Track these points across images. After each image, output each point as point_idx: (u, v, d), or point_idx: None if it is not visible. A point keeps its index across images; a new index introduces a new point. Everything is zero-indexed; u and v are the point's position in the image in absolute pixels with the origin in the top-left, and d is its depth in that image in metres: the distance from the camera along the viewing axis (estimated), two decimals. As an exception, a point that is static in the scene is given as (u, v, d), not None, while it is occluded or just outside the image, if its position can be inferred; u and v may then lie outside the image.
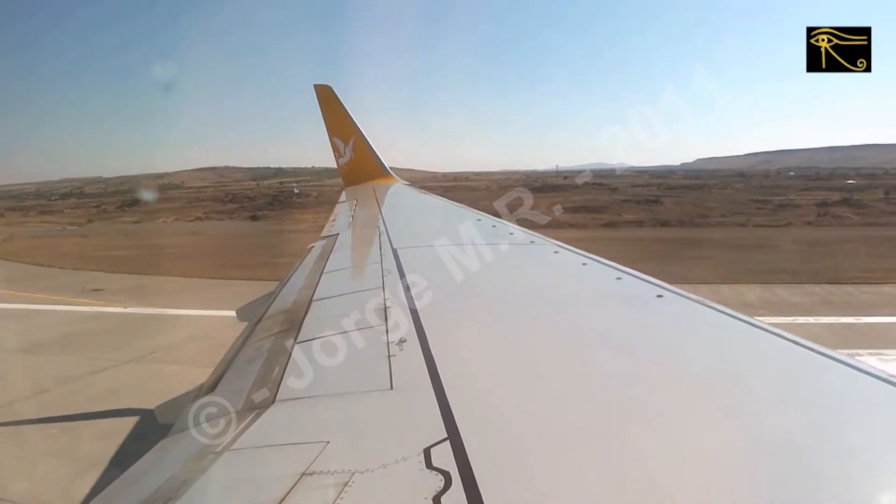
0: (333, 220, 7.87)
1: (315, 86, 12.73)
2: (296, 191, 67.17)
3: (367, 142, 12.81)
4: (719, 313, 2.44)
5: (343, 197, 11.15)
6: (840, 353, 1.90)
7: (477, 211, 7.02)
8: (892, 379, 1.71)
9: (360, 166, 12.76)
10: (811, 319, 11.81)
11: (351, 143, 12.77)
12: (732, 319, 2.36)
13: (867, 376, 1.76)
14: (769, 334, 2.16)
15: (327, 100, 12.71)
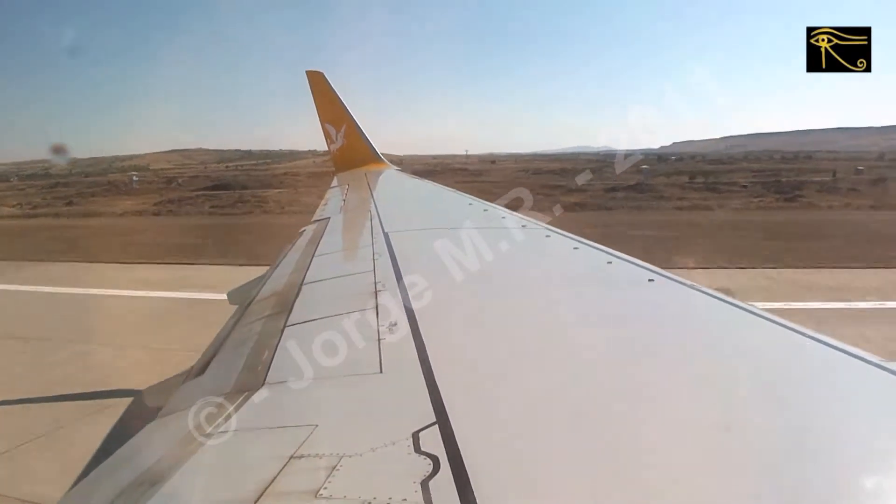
0: (325, 205, 7.82)
1: (307, 72, 12.64)
2: (134, 178, 67.92)
3: (359, 128, 12.76)
4: (710, 297, 2.45)
5: (335, 182, 11.10)
6: (833, 339, 1.91)
7: (469, 195, 7.00)
8: (884, 364, 1.71)
9: (352, 152, 12.72)
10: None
11: (343, 129, 12.71)
12: (724, 304, 2.37)
13: (860, 361, 1.76)
14: (761, 319, 2.16)
15: (319, 86, 12.62)
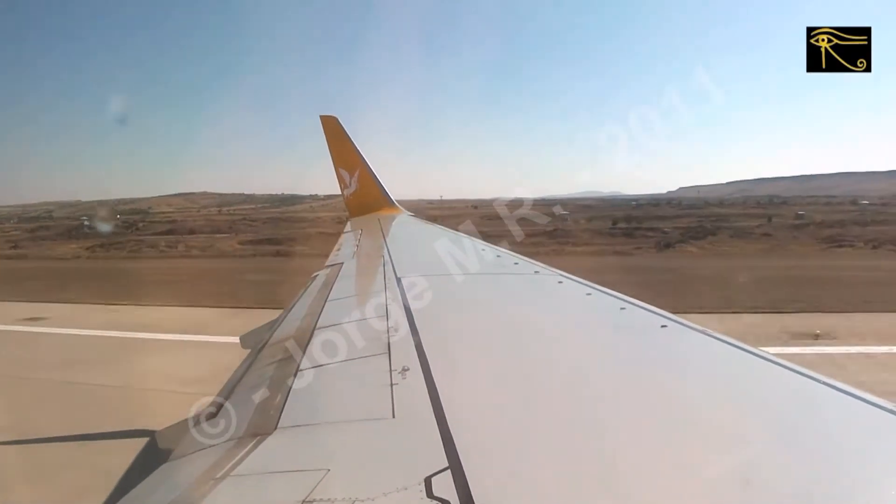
0: (338, 250, 7.89)
1: (321, 117, 12.83)
2: (86, 222, 69.16)
3: (373, 173, 12.87)
4: (723, 344, 2.43)
5: (348, 227, 11.19)
6: (847, 386, 1.88)
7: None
8: None
9: (366, 197, 12.81)
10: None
11: (356, 174, 12.82)
12: (736, 350, 2.35)
13: (875, 408, 1.74)
14: (774, 365, 2.14)
15: (333, 131, 12.81)
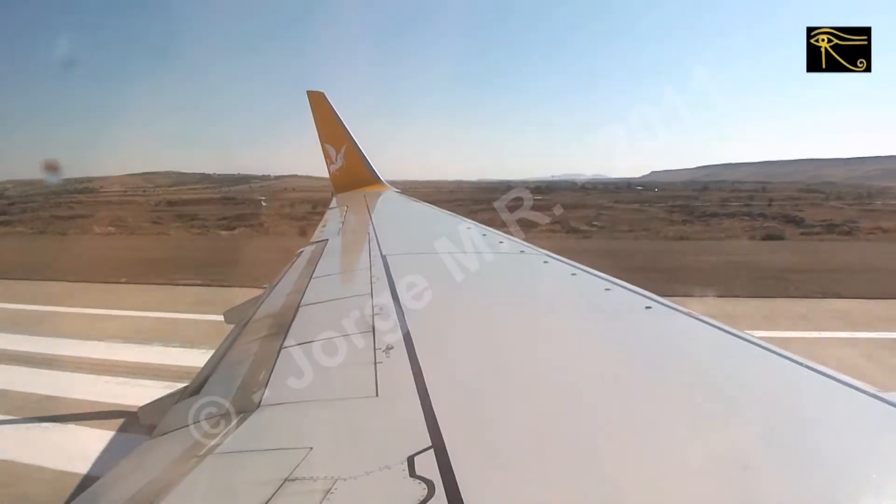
0: (323, 226, 7.84)
1: (308, 92, 12.68)
2: None
3: (360, 149, 12.78)
4: (707, 325, 2.45)
5: (334, 203, 11.12)
6: (830, 370, 1.91)
7: (467, 219, 7.03)
8: (882, 395, 1.71)
9: (352, 173, 12.73)
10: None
11: (343, 150, 12.73)
12: (720, 332, 2.37)
13: (855, 391, 1.77)
14: (758, 348, 2.16)
15: (320, 106, 12.66)
